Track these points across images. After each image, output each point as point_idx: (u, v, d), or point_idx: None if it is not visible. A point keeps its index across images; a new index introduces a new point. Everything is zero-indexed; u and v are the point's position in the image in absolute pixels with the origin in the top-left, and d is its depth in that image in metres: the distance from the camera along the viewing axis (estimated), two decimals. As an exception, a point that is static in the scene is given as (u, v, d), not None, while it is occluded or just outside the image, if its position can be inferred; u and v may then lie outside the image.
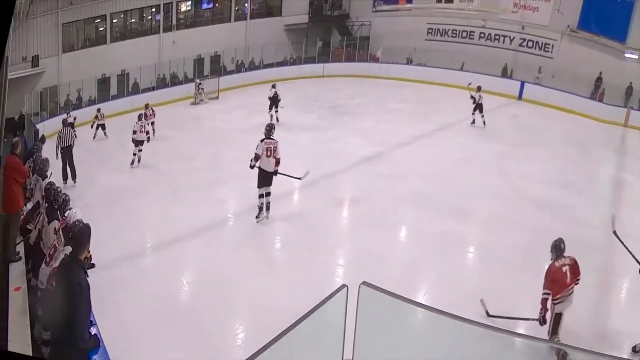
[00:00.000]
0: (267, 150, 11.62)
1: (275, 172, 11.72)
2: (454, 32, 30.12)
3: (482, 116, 20.04)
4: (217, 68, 30.20)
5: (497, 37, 28.73)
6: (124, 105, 24.94)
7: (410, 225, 12.55)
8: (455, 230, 11.83)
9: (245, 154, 16.81)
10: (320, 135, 19.20)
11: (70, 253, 5.25)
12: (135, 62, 27.01)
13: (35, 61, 25.10)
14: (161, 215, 12.85)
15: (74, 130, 16.80)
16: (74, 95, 25.68)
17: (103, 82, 26.72)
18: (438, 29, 30.65)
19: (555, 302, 7.34)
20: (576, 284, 7.45)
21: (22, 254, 7.85)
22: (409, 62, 29.90)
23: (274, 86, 21.35)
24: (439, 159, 16.71)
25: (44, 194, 8.65)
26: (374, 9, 33.32)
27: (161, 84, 28.26)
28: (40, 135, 17.00)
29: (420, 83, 27.01)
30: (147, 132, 17.81)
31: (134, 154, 16.66)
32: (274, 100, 20.97)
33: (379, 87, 27.48)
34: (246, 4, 32.57)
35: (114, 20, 28.12)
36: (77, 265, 5.03)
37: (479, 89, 20.10)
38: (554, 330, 7.41)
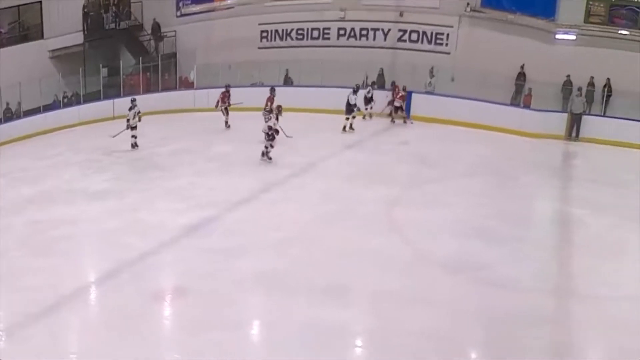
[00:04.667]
0: None
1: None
2: (300, 32, 30.93)
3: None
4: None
5: (363, 32, 29.63)
6: None
7: (257, 317, 12.72)
8: (330, 318, 11.82)
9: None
10: (118, 204, 18.81)
11: None
12: None
13: None
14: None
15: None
16: None
17: None
18: (277, 31, 31.45)
19: None
20: None
21: None
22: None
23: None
24: (294, 216, 17.01)
25: None
26: (178, 13, 33.72)
27: None
28: None
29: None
30: None
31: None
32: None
33: (198, 123, 27.54)
34: (-12, 25, 31.43)
35: None
36: None
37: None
38: None
